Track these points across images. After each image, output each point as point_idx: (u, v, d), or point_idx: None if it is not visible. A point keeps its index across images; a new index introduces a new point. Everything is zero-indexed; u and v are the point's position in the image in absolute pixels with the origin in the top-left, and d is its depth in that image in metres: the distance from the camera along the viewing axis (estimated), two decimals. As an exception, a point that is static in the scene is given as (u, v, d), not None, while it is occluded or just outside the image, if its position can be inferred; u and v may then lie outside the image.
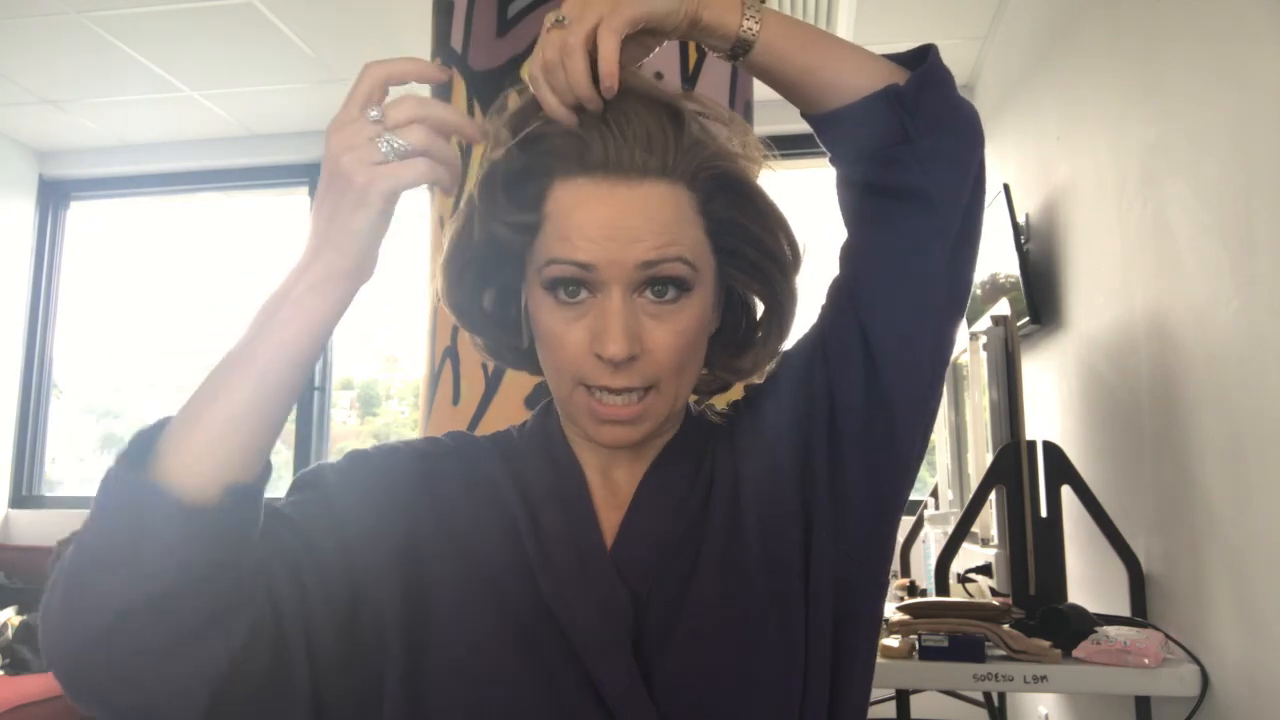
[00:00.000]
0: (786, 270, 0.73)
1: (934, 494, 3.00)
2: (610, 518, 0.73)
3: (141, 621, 0.53)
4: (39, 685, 2.91)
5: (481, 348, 0.79)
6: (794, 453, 0.73)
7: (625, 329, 0.65)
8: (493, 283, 0.75)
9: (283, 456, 3.88)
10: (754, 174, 0.73)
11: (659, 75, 0.73)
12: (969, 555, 2.22)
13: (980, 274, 2.62)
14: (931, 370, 0.73)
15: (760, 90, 1.86)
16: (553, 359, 0.69)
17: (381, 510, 0.69)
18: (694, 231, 0.68)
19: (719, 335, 0.76)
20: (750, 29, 0.68)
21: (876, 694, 2.36)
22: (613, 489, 0.75)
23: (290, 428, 3.75)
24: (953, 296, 0.73)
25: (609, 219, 0.65)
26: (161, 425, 0.57)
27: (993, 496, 1.90)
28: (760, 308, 0.78)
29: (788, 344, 0.78)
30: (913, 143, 0.68)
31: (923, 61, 0.70)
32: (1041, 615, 1.66)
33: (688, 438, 0.76)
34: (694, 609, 0.69)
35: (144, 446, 0.57)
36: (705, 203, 0.69)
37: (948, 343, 0.74)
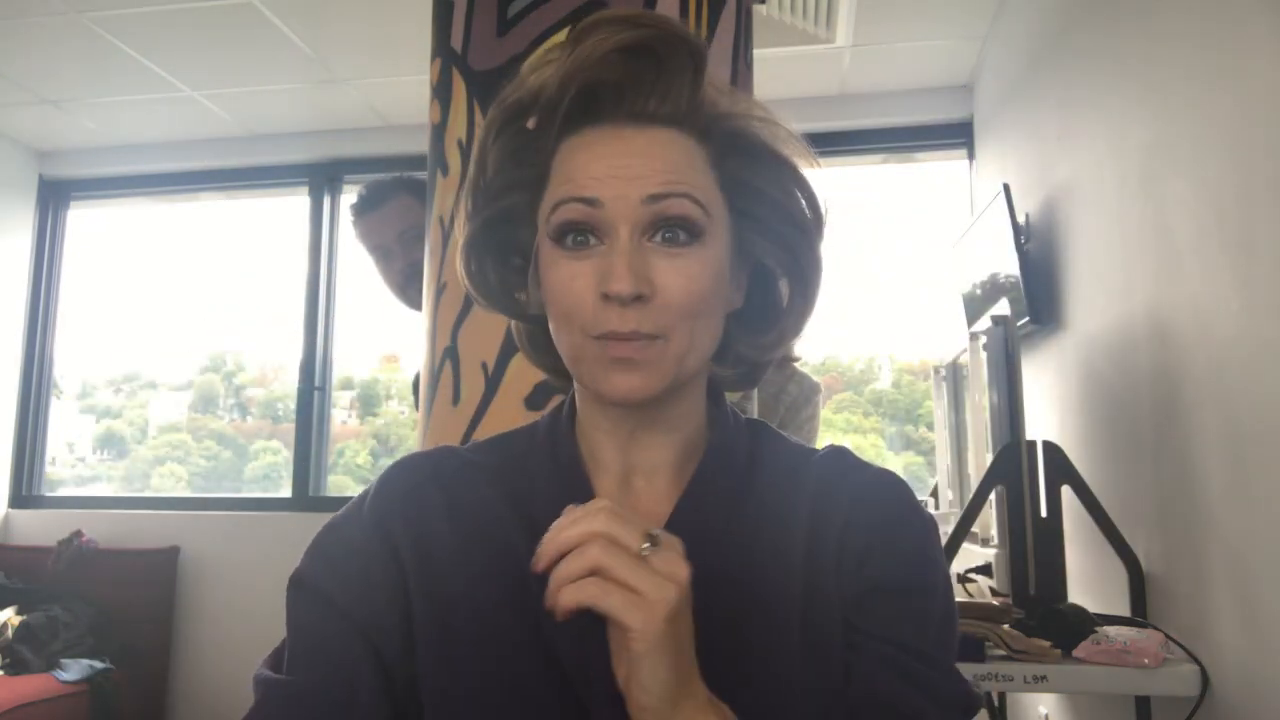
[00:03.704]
0: (808, 234, 0.70)
1: (934, 494, 3.00)
2: None
3: None
4: (39, 685, 2.91)
5: (517, 333, 0.78)
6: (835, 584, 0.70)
7: (631, 266, 0.62)
8: (506, 255, 0.73)
9: (282, 456, 3.88)
10: (772, 136, 0.70)
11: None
12: (969, 555, 2.22)
13: (980, 274, 2.62)
14: None
15: (760, 91, 1.85)
16: (560, 309, 0.65)
17: (374, 582, 0.68)
18: (705, 181, 0.66)
19: (742, 314, 0.73)
20: None
21: (876, 694, 2.34)
22: (634, 500, 0.71)
23: (289, 428, 3.75)
24: None
25: (614, 157, 0.64)
26: None
27: (993, 496, 1.90)
28: (785, 287, 0.74)
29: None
30: None
31: None
32: (1041, 615, 1.66)
33: (725, 458, 0.72)
34: (725, 659, 0.63)
35: None
36: (718, 159, 0.68)
37: None
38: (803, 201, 0.70)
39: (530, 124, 0.68)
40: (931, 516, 0.73)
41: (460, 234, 0.73)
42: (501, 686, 0.65)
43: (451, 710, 0.66)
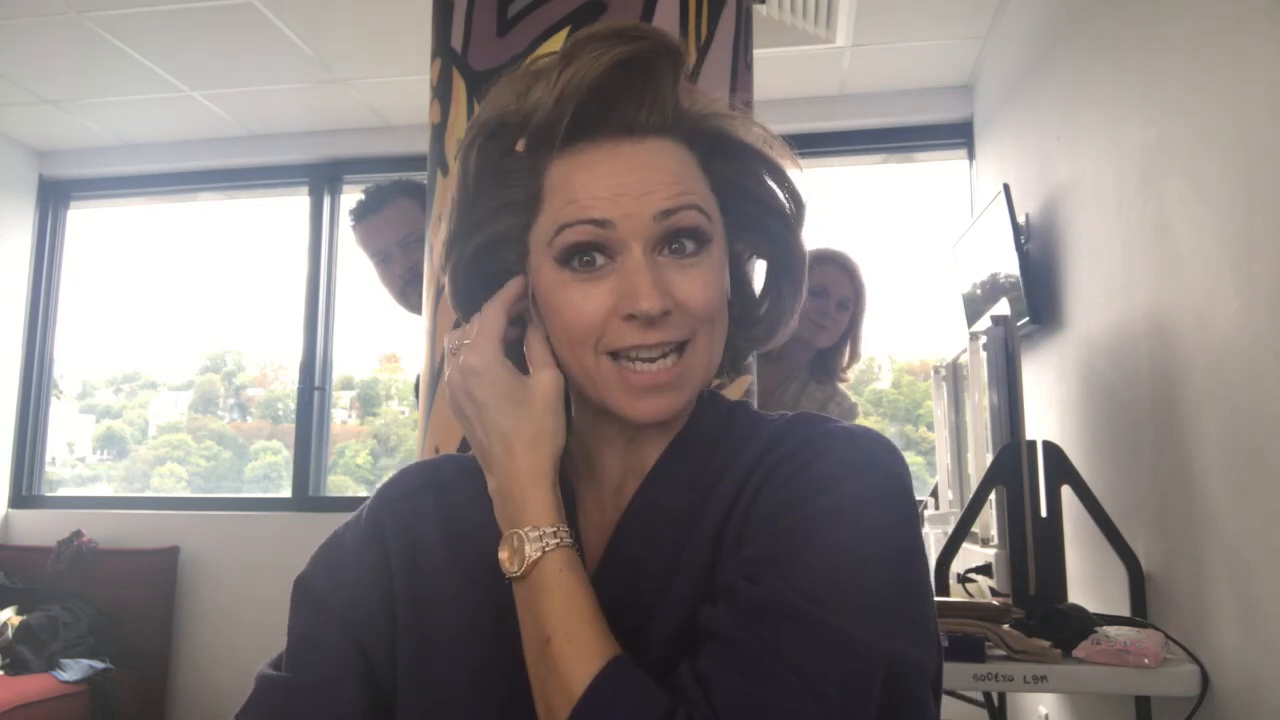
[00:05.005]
0: (790, 224, 0.72)
1: (934, 494, 3.00)
2: (603, 538, 0.70)
3: None
4: (39, 685, 2.91)
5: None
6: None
7: (655, 283, 0.62)
8: (494, 278, 0.70)
9: (283, 456, 3.88)
10: (747, 132, 0.71)
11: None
12: (969, 555, 2.22)
13: (980, 274, 2.62)
14: None
15: (760, 91, 1.85)
16: (571, 331, 0.65)
17: (366, 586, 0.72)
18: (701, 185, 0.68)
19: (732, 307, 0.72)
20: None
21: (876, 694, 2.35)
22: (621, 502, 0.71)
23: (289, 428, 3.75)
24: None
25: (616, 174, 0.64)
26: None
27: (993, 496, 1.90)
28: (763, 276, 0.75)
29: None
30: None
31: None
32: (1041, 615, 1.66)
33: (693, 439, 0.71)
34: (672, 646, 0.62)
35: None
36: (705, 161, 0.69)
37: None
38: (782, 192, 0.72)
39: (520, 146, 0.67)
40: (886, 478, 0.64)
41: (443, 252, 0.72)
42: (475, 686, 0.67)
43: (426, 708, 0.68)
